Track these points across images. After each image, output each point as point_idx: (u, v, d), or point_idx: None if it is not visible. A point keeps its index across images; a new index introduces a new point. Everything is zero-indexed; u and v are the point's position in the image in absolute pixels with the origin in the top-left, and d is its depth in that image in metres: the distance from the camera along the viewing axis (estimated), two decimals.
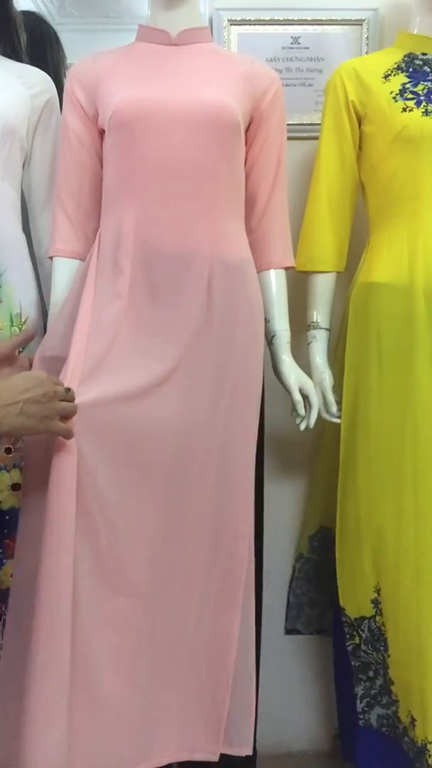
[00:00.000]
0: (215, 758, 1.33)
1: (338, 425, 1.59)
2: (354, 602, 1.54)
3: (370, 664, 1.55)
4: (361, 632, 1.54)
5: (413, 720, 1.45)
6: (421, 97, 1.53)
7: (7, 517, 1.43)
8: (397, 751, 1.52)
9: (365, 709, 1.55)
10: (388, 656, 1.50)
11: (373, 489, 1.50)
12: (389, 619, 1.49)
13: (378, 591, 1.51)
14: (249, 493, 1.39)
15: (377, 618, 1.52)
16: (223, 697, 1.32)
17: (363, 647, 1.55)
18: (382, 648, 1.52)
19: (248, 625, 1.36)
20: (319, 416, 1.55)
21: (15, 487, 1.43)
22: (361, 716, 1.55)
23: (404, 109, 1.52)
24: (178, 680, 1.30)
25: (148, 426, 1.27)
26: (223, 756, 1.34)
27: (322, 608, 1.78)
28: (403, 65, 1.58)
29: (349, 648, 1.56)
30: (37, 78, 1.54)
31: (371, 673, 1.55)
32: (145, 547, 1.26)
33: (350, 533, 1.53)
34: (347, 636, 1.56)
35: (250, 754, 1.35)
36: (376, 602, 1.52)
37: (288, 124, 1.54)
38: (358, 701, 1.56)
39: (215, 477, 1.34)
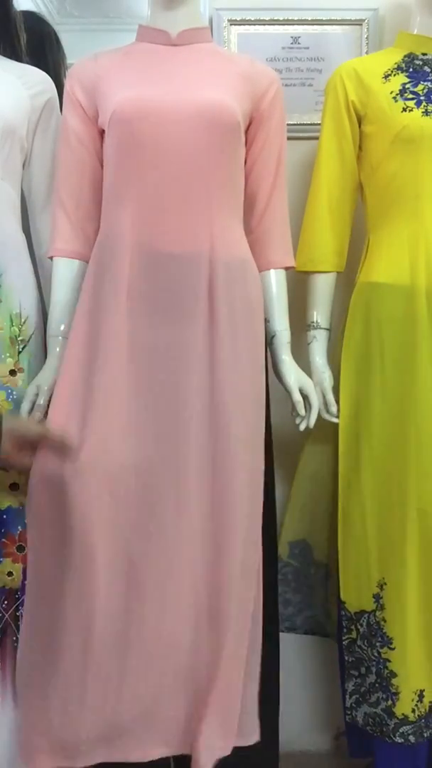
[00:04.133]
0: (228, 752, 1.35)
1: (321, 432, 1.60)
2: (356, 596, 1.55)
3: (363, 660, 1.56)
4: (359, 627, 1.56)
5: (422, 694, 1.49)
6: (421, 97, 1.53)
7: (4, 516, 1.43)
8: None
9: (353, 705, 1.57)
10: (391, 649, 1.51)
11: (378, 487, 1.52)
12: (395, 612, 1.50)
13: (381, 586, 1.52)
14: (258, 496, 1.40)
15: (377, 613, 1.53)
16: (244, 692, 1.37)
17: (358, 642, 1.56)
18: (378, 644, 1.53)
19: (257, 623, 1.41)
20: (320, 416, 1.56)
21: (13, 486, 1.43)
22: (349, 712, 1.58)
23: (404, 109, 1.52)
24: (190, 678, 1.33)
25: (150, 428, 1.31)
26: (244, 755, 1.36)
27: (295, 608, 1.78)
28: (403, 65, 1.58)
29: (345, 642, 1.58)
30: (37, 78, 1.54)
31: (363, 670, 1.57)
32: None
33: (355, 529, 1.54)
34: (345, 630, 1.58)
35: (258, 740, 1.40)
36: (377, 597, 1.53)
37: (288, 124, 1.55)
38: (347, 697, 1.58)
39: (213, 479, 1.34)
